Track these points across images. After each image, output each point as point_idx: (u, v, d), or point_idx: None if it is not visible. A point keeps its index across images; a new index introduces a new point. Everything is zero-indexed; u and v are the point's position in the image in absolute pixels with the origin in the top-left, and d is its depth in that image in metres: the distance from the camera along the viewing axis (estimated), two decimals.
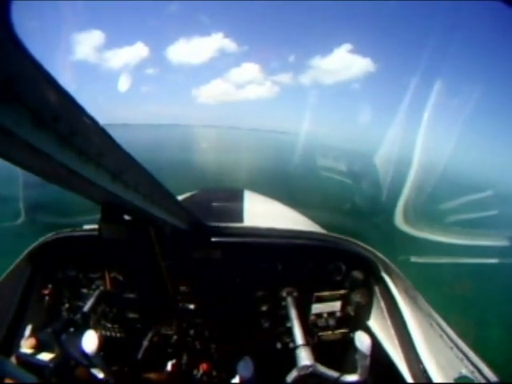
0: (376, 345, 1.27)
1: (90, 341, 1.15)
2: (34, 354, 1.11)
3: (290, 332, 1.30)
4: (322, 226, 2.29)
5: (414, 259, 4.94)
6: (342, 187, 13.03)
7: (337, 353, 1.43)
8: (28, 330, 1.41)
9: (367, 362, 1.10)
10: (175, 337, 1.53)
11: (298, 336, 1.23)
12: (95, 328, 1.29)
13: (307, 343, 1.19)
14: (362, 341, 1.10)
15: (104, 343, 1.37)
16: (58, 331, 1.20)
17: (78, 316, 1.34)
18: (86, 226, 1.52)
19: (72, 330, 1.26)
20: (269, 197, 3.14)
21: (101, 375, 1.17)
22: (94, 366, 1.17)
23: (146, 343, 1.40)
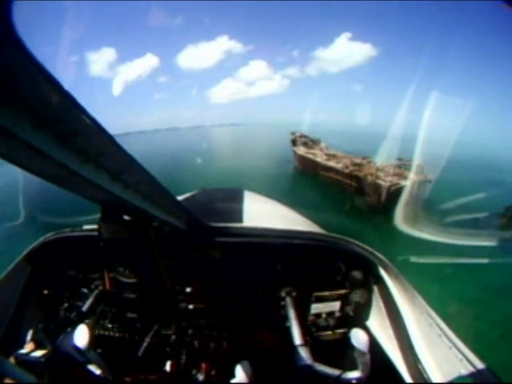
0: (375, 344, 1.27)
1: (81, 335, 1.14)
2: (31, 353, 1.11)
3: (289, 332, 1.30)
4: (322, 225, 2.29)
5: (413, 259, 4.94)
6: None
7: (336, 352, 1.43)
8: (30, 332, 1.41)
9: (366, 359, 1.09)
10: (174, 336, 1.53)
11: (297, 336, 1.24)
12: (94, 327, 1.28)
13: (306, 343, 1.19)
14: (358, 338, 1.09)
15: (103, 343, 1.37)
16: (53, 329, 1.20)
17: (74, 314, 1.33)
18: (86, 226, 1.52)
19: (69, 329, 1.26)
20: (269, 197, 3.14)
21: (97, 372, 1.16)
22: (90, 363, 1.16)
23: (145, 343, 1.40)
